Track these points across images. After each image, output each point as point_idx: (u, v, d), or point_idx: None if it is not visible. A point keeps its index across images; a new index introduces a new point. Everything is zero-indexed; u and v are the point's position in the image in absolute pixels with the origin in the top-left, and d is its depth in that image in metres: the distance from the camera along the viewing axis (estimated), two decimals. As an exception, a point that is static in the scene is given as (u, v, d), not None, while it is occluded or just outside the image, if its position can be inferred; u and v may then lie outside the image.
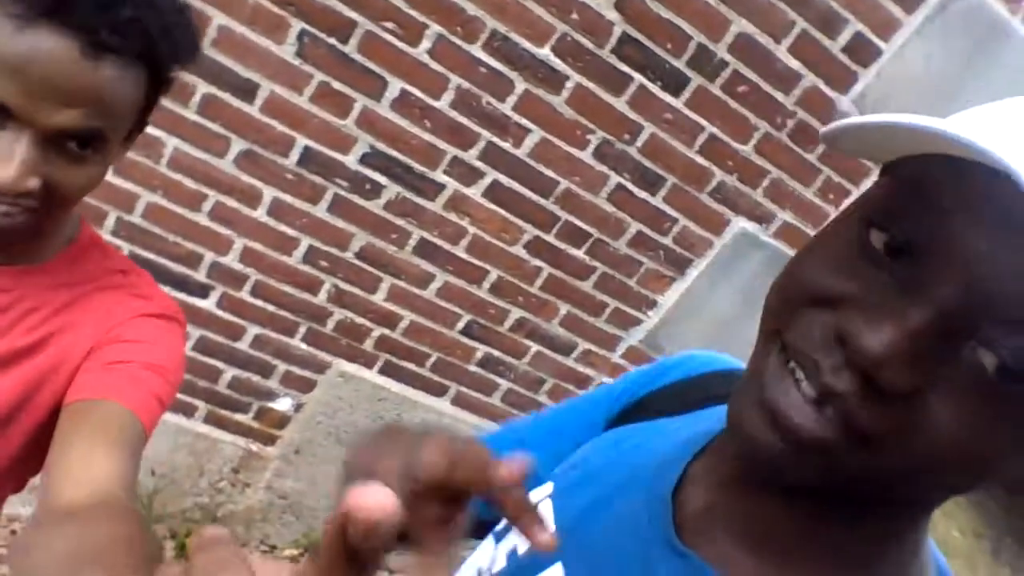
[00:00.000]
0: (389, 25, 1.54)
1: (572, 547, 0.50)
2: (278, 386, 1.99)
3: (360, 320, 1.92)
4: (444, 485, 0.36)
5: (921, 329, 0.33)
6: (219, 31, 1.50)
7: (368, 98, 1.62)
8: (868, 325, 0.34)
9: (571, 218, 1.84)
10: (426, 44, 1.57)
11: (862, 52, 1.72)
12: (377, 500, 0.23)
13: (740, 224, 1.91)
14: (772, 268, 1.63)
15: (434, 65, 1.60)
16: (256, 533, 2.25)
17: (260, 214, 1.73)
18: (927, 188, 0.35)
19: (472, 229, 1.83)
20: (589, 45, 1.62)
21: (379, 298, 1.89)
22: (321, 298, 1.87)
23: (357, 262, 1.83)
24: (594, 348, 2.07)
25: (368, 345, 1.97)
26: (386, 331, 1.95)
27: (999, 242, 0.31)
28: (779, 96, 1.74)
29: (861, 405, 0.35)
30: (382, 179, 1.72)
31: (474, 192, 1.78)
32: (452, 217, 1.80)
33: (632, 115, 1.72)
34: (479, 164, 1.74)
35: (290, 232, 1.76)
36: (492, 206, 1.80)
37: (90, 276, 0.77)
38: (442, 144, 1.70)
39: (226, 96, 1.57)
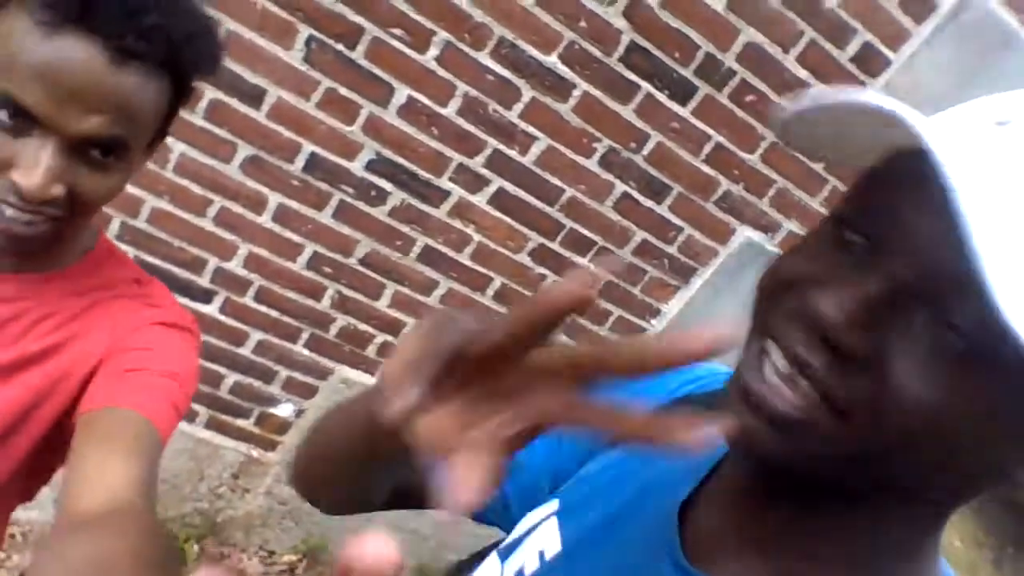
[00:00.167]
0: (397, 32, 1.54)
1: (580, 566, 0.50)
2: (280, 392, 1.99)
3: (363, 327, 1.91)
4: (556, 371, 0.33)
5: (875, 296, 0.36)
6: (227, 37, 1.50)
7: (375, 105, 1.62)
8: (826, 295, 0.37)
9: (576, 226, 1.84)
10: (433, 51, 1.57)
11: (871, 62, 1.71)
12: (377, 550, 0.22)
13: (746, 233, 1.91)
14: (778, 279, 1.62)
15: (441, 72, 1.60)
16: (255, 539, 2.24)
17: (265, 220, 1.73)
18: (880, 180, 0.39)
19: (477, 236, 1.82)
20: (597, 53, 1.61)
21: (383, 305, 1.89)
22: (324, 304, 1.86)
23: (361, 268, 1.83)
24: (598, 357, 2.06)
25: (371, 352, 1.96)
26: (389, 338, 1.95)
27: (939, 219, 0.33)
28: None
29: (830, 375, 0.37)
30: (388, 186, 1.72)
31: (479, 199, 1.77)
32: (457, 224, 1.80)
33: (639, 123, 1.71)
34: (485, 171, 1.73)
35: (295, 238, 1.76)
36: (497, 214, 1.80)
37: (105, 285, 0.77)
38: (448, 151, 1.69)
39: (233, 102, 1.57)
